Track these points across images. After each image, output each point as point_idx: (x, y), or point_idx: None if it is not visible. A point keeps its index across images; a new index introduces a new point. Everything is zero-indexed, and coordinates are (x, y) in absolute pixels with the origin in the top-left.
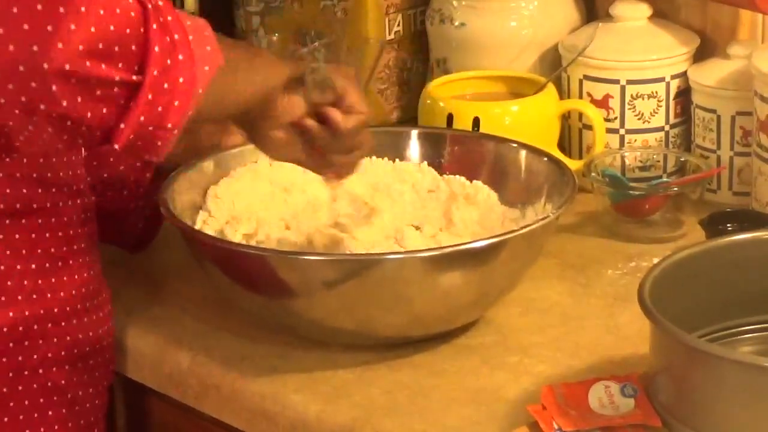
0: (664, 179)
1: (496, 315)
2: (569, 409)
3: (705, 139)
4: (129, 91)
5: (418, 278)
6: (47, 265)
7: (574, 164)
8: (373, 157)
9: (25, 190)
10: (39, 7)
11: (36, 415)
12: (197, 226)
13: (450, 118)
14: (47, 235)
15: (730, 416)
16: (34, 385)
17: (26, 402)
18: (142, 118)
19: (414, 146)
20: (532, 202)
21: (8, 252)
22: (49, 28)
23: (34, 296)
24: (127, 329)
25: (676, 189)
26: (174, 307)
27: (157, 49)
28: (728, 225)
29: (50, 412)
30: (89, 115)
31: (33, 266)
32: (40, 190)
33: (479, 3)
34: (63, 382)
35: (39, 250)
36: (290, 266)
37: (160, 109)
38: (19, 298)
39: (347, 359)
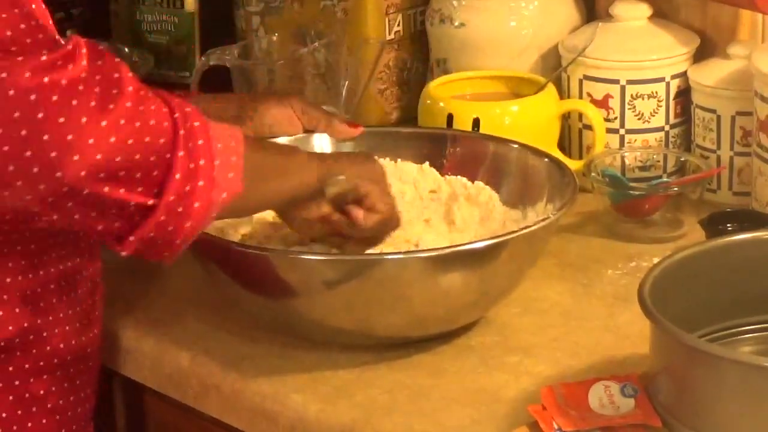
0: (664, 179)
1: (496, 315)
2: (569, 409)
3: (705, 139)
4: (143, 211)
5: (418, 278)
6: (20, 278)
7: (574, 164)
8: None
9: None
10: (69, 137)
11: (15, 427)
12: None
13: (450, 118)
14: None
15: (730, 416)
16: (10, 397)
17: (3, 415)
18: (151, 234)
19: (414, 146)
20: (532, 203)
21: None
22: (76, 157)
23: (17, 310)
24: (127, 329)
25: (676, 189)
26: (174, 307)
27: (178, 176)
28: (728, 225)
29: (29, 424)
30: (100, 228)
31: (8, 280)
32: None
33: (479, 3)
34: (42, 392)
35: (10, 264)
36: (290, 266)
37: (170, 228)
38: (0, 314)
39: (347, 359)
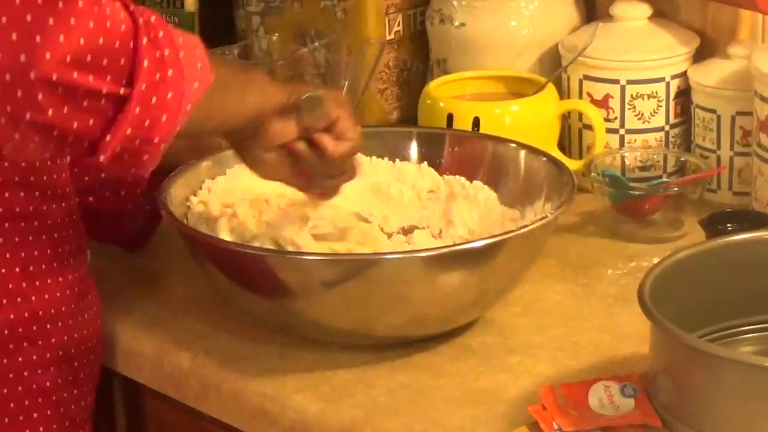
0: (664, 179)
1: (496, 315)
2: (569, 409)
3: (705, 139)
4: (116, 104)
5: (417, 278)
6: (31, 268)
7: (574, 164)
8: (374, 158)
9: (7, 194)
10: (28, 17)
11: (21, 417)
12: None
13: (450, 118)
14: (31, 238)
15: (730, 416)
16: (19, 388)
17: (11, 405)
18: (128, 131)
19: (414, 146)
20: (531, 203)
21: None
22: (38, 38)
23: (19, 300)
24: (127, 329)
25: (676, 189)
26: (174, 307)
27: (146, 63)
28: (728, 225)
29: (35, 415)
30: (75, 125)
31: (17, 270)
32: (22, 194)
33: (479, 3)
34: (48, 384)
35: (23, 254)
36: (289, 266)
37: (147, 123)
38: (4, 302)
39: (347, 359)
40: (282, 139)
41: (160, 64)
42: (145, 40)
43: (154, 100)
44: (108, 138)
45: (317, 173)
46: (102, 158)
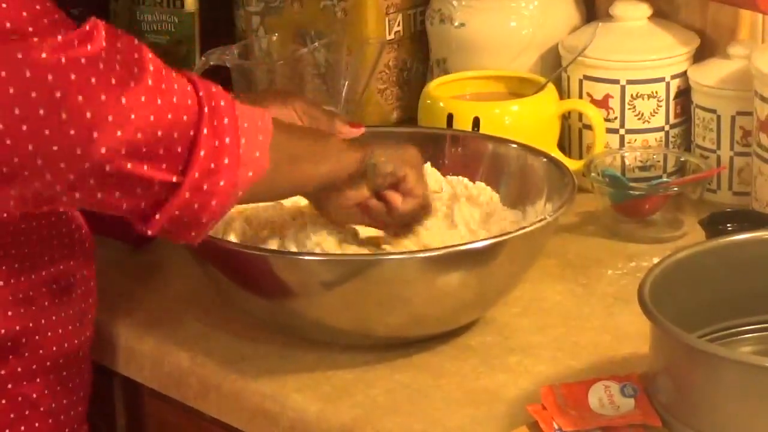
0: (664, 179)
1: (496, 315)
2: (569, 409)
3: (705, 139)
4: (168, 190)
5: (416, 278)
6: (12, 281)
7: (574, 164)
8: None
9: None
10: (88, 114)
11: (8, 430)
12: None
13: (450, 118)
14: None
15: (730, 416)
16: (3, 401)
17: None
18: (177, 212)
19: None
20: (532, 203)
21: None
22: (95, 134)
23: (10, 314)
24: (127, 329)
25: (676, 189)
26: (174, 307)
27: (203, 153)
28: (728, 225)
29: (22, 427)
30: (125, 206)
31: (1, 283)
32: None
33: (479, 3)
34: (35, 395)
35: (3, 268)
36: (289, 267)
37: (196, 206)
38: None
39: (347, 359)
40: (355, 200)
41: (218, 154)
42: (206, 130)
43: (205, 186)
44: (157, 216)
45: (389, 224)
46: (149, 232)
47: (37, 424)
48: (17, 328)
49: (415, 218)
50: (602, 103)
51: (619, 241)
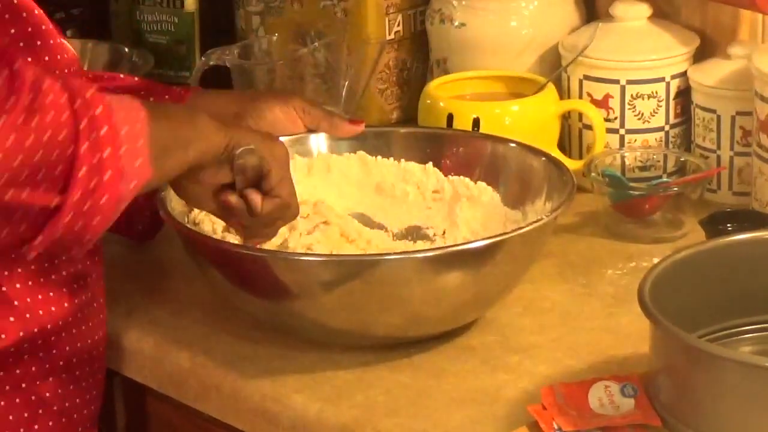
0: (664, 179)
1: (496, 315)
2: (569, 409)
3: (705, 139)
4: (48, 214)
5: (417, 278)
6: (30, 283)
7: (574, 164)
8: (378, 157)
9: None
10: None
11: (22, 429)
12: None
13: (450, 118)
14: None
15: (730, 416)
16: (17, 400)
17: (10, 417)
18: (58, 235)
19: (414, 146)
20: (532, 203)
21: None
22: None
23: (28, 315)
24: (127, 329)
25: (676, 189)
26: (174, 308)
27: (83, 171)
28: (728, 225)
29: (36, 426)
30: (4, 234)
31: (19, 285)
32: None
33: (479, 3)
34: (48, 394)
35: (19, 270)
36: (288, 267)
37: (78, 227)
38: (12, 319)
39: (347, 359)
40: (214, 180)
41: (98, 169)
42: (85, 146)
43: (87, 205)
44: (38, 241)
45: (248, 223)
46: (29, 255)
47: (50, 423)
48: (35, 330)
49: (273, 221)
50: (602, 103)
51: (619, 241)
